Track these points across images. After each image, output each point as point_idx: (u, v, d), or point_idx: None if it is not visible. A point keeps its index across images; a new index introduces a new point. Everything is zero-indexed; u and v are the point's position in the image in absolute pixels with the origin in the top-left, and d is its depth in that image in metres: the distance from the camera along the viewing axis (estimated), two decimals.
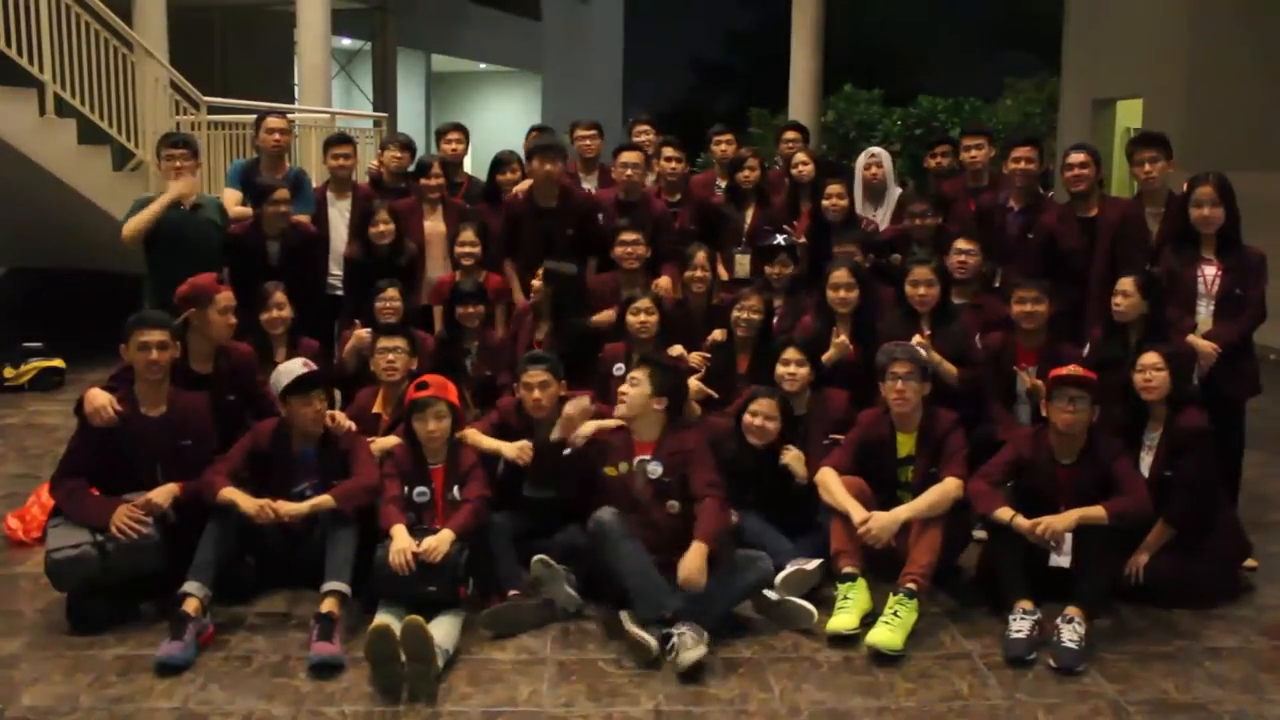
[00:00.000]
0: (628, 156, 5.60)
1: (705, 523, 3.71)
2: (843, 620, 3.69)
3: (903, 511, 3.92)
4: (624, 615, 3.68)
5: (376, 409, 4.52)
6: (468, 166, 6.58)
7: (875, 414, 4.23)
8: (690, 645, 3.45)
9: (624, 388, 3.96)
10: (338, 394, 4.77)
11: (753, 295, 4.84)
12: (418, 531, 3.77)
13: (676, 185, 5.83)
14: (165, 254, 5.07)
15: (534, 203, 5.38)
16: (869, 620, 3.71)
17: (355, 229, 5.59)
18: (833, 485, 4.02)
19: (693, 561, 3.58)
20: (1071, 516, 3.77)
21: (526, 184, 5.52)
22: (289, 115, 6.71)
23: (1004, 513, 3.85)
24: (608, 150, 6.29)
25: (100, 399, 3.86)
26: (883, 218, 5.86)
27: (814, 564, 3.97)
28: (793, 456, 4.22)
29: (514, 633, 3.75)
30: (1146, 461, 4.08)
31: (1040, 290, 4.58)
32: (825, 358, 4.57)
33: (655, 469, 3.88)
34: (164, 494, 3.81)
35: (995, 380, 4.64)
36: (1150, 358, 4.04)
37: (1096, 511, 3.77)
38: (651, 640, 3.53)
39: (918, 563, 3.77)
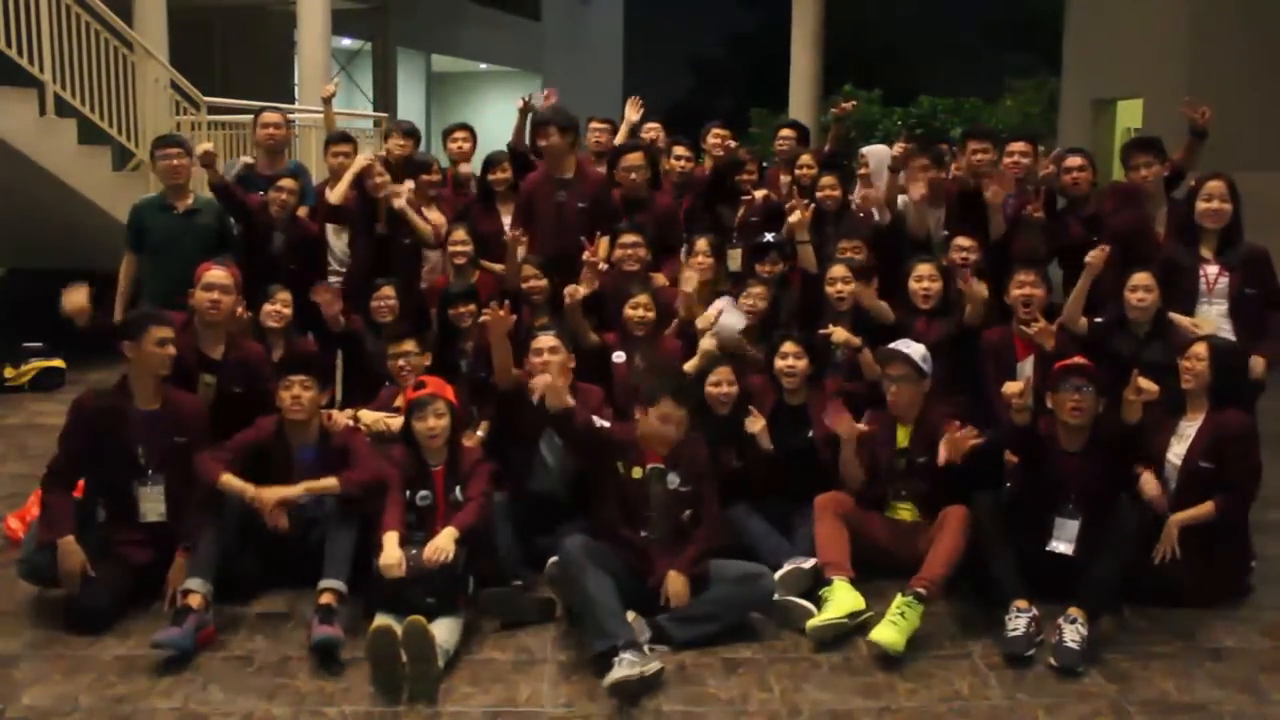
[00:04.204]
0: (631, 159, 5.60)
1: (690, 548, 3.76)
2: (827, 614, 3.68)
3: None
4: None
5: (399, 405, 4.53)
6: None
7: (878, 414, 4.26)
8: (624, 666, 3.26)
9: (656, 415, 3.79)
10: (337, 392, 4.77)
11: (758, 284, 4.86)
12: (416, 540, 3.73)
13: (684, 184, 5.91)
14: (158, 258, 5.07)
15: (549, 174, 5.34)
16: (865, 622, 3.70)
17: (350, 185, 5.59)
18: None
19: (674, 585, 3.64)
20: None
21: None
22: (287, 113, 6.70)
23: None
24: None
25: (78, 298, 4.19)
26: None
27: (809, 563, 3.97)
28: (758, 427, 4.24)
29: (509, 621, 3.75)
30: (1179, 450, 4.03)
31: (1039, 274, 4.58)
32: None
33: (674, 479, 3.82)
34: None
35: (996, 375, 4.62)
36: (1198, 348, 4.01)
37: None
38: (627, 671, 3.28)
39: (934, 571, 3.73)
